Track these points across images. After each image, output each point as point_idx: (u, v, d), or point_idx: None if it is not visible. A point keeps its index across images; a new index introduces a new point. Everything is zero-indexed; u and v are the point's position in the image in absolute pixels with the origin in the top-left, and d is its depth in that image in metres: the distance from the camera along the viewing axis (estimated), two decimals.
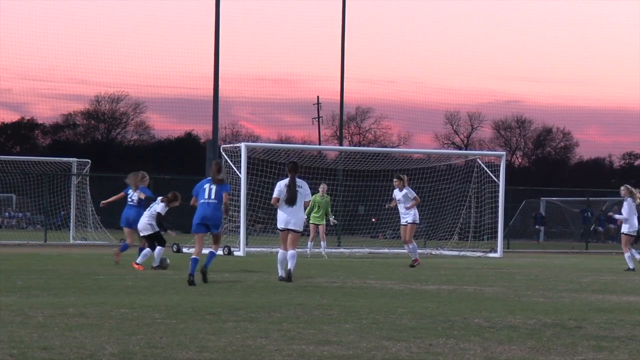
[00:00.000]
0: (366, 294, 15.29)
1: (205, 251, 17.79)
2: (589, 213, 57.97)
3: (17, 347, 8.55)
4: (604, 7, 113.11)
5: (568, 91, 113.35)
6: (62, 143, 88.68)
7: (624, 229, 25.75)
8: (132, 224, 22.27)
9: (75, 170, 41.75)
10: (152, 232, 21.44)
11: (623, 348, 9.38)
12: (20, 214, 55.15)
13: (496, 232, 35.12)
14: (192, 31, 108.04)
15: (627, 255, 25.48)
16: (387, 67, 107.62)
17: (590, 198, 56.12)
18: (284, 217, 18.07)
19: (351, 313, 11.86)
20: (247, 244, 31.44)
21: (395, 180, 24.96)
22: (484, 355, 8.73)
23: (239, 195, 31.58)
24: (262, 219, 26.18)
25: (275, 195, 18.13)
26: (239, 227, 31.44)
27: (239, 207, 31.55)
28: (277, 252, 18.54)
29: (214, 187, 17.23)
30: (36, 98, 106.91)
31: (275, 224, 20.55)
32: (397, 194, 24.75)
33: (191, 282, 16.37)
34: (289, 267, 17.87)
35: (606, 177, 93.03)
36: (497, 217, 34.90)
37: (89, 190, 40.90)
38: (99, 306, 12.03)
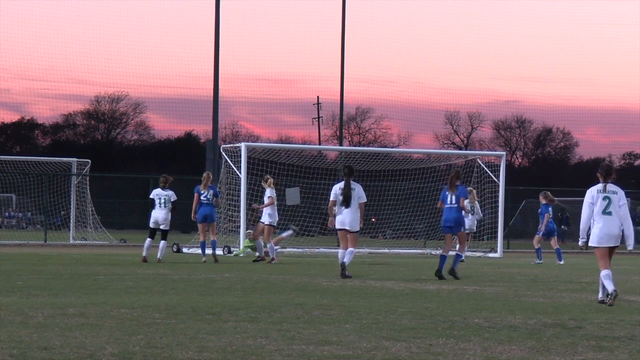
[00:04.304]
0: (366, 294, 15.28)
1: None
2: None
3: (17, 347, 8.54)
4: (603, 7, 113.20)
5: (568, 91, 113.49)
6: (62, 143, 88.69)
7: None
8: (208, 219, 25.40)
9: (75, 170, 41.75)
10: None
11: (623, 348, 9.37)
12: (20, 214, 55.13)
13: (496, 232, 35.12)
14: (192, 31, 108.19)
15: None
16: (387, 67, 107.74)
17: None
18: (340, 218, 19.18)
19: (351, 313, 11.86)
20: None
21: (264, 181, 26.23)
22: (484, 355, 8.73)
23: (238, 196, 31.58)
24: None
25: (331, 198, 19.32)
26: (239, 227, 31.44)
27: (238, 207, 31.55)
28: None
29: (454, 194, 19.76)
30: (36, 98, 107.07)
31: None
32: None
33: (440, 277, 18.84)
34: (344, 260, 18.87)
35: None
36: (497, 217, 34.90)
37: (89, 190, 40.89)
38: (99, 306, 12.03)
